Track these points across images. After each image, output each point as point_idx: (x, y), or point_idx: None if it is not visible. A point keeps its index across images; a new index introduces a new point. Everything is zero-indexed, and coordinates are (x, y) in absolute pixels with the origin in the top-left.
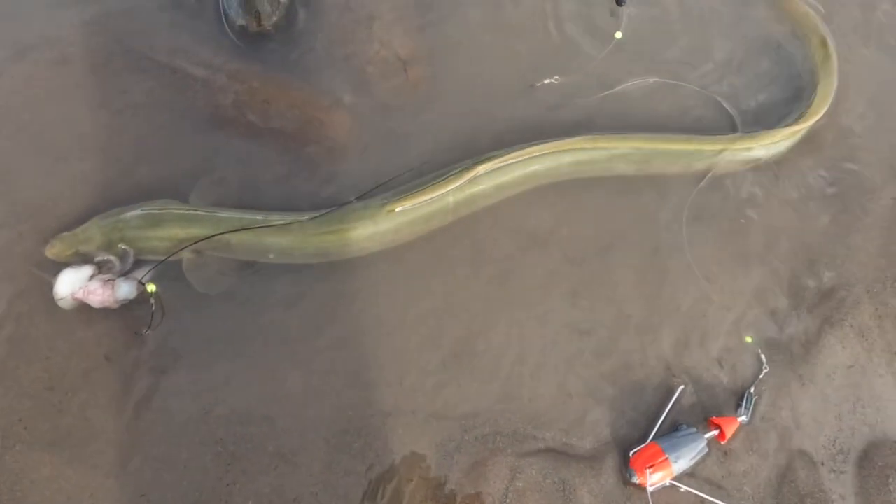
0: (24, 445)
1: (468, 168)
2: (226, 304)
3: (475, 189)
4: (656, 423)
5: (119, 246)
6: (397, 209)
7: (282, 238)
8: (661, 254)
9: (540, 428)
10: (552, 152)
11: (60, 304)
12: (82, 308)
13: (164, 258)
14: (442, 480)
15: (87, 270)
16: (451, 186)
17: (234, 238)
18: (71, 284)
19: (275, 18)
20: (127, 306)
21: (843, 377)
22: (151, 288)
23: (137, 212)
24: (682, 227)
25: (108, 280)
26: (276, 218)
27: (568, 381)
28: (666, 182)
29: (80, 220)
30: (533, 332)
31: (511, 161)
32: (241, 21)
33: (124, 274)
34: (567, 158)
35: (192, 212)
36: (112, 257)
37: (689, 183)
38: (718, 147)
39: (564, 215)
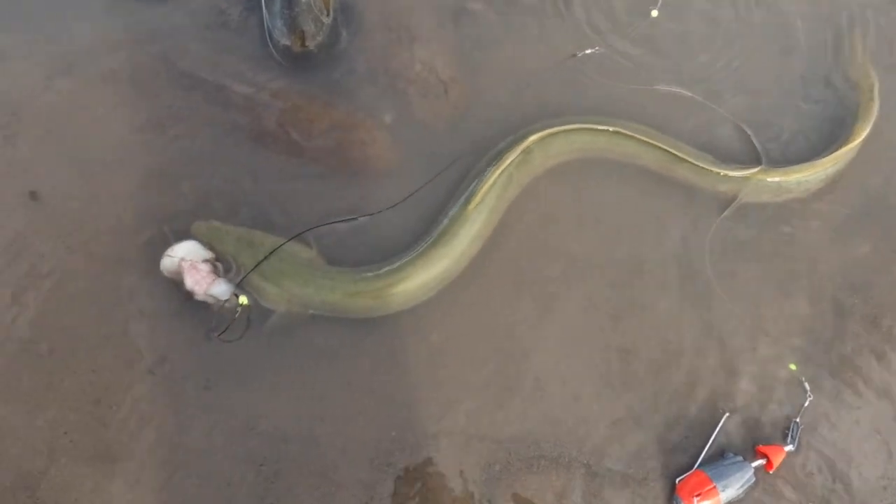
0: (69, 459)
1: (518, 141)
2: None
3: (527, 157)
4: (702, 450)
5: (235, 264)
6: (478, 202)
7: (403, 285)
8: (700, 278)
9: (585, 453)
10: (591, 129)
11: (165, 261)
12: (132, 317)
13: (249, 271)
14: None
15: (205, 254)
16: (510, 160)
17: (343, 300)
18: (188, 252)
19: (318, 38)
20: (185, 315)
21: (891, 407)
22: (244, 300)
23: (271, 252)
24: (706, 253)
25: (213, 272)
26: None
27: (612, 407)
28: (701, 206)
29: (122, 237)
30: (576, 356)
31: (556, 132)
32: (285, 40)
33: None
34: (603, 137)
35: (309, 271)
36: (224, 265)
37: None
38: (744, 177)
39: (604, 238)
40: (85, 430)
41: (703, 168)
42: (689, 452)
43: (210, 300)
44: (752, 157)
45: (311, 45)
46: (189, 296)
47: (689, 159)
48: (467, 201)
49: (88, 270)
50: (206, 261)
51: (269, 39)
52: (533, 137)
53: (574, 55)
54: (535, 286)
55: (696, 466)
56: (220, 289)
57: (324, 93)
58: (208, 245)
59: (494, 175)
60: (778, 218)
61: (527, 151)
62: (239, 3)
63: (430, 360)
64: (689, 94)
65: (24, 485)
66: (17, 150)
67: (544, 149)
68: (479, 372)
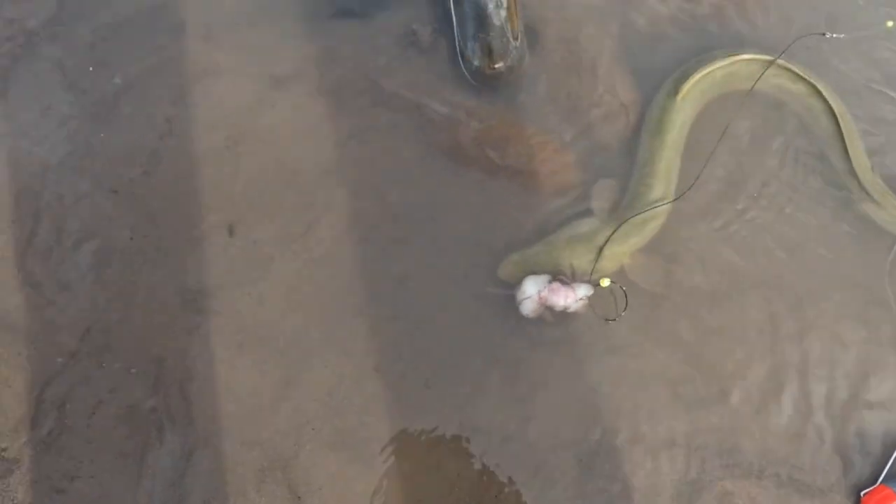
0: (313, 445)
1: (732, 54)
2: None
3: (733, 70)
4: (885, 465)
5: (568, 266)
6: (685, 89)
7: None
8: (874, 295)
9: (773, 463)
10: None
11: (525, 305)
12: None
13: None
14: None
15: (546, 277)
16: (719, 64)
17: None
18: (536, 284)
19: (508, 61)
20: (411, 319)
21: None
22: (605, 282)
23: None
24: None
25: (566, 282)
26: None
27: (794, 420)
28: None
29: (337, 241)
30: (758, 371)
31: (767, 59)
32: (477, 61)
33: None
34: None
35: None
36: (564, 275)
37: None
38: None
39: (781, 259)
40: (324, 419)
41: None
42: (872, 467)
43: (583, 302)
44: None
45: (501, 66)
46: (564, 312)
47: (849, 153)
48: (675, 91)
49: (312, 273)
50: (551, 280)
51: (460, 60)
52: (748, 56)
53: (823, 34)
54: (713, 301)
55: (879, 481)
56: (583, 289)
57: (513, 113)
58: (532, 272)
59: (701, 73)
60: None
61: (734, 66)
62: (428, 24)
63: (628, 365)
64: None
65: (279, 466)
66: (241, 160)
67: (750, 71)
68: (668, 384)
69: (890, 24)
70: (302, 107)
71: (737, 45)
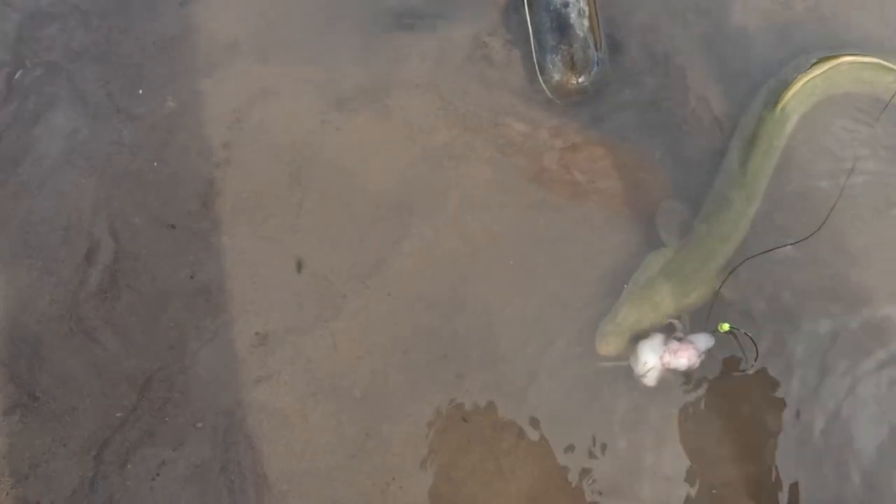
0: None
1: (832, 57)
2: None
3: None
4: None
5: (673, 316)
6: (785, 99)
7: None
8: None
9: None
10: None
11: (648, 376)
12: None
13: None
14: None
15: (659, 338)
16: (818, 71)
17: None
18: (653, 351)
19: (592, 74)
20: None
21: None
22: (725, 327)
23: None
24: None
25: (682, 338)
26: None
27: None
28: None
29: (403, 279)
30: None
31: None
32: (559, 76)
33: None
34: None
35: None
36: (675, 321)
37: None
38: None
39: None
40: (409, 476)
41: None
42: None
43: (704, 355)
44: None
45: (584, 80)
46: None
47: None
48: (774, 104)
49: (389, 311)
50: (667, 340)
51: (539, 74)
52: (849, 58)
53: None
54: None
55: None
56: (703, 340)
57: (598, 130)
58: (638, 335)
59: (799, 83)
60: None
61: (836, 69)
62: (500, 36)
63: (740, 426)
64: None
65: None
66: (306, 188)
67: (852, 73)
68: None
69: None
70: (369, 129)
71: (836, 47)
